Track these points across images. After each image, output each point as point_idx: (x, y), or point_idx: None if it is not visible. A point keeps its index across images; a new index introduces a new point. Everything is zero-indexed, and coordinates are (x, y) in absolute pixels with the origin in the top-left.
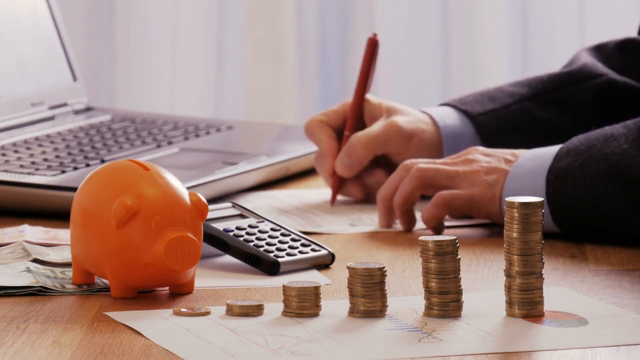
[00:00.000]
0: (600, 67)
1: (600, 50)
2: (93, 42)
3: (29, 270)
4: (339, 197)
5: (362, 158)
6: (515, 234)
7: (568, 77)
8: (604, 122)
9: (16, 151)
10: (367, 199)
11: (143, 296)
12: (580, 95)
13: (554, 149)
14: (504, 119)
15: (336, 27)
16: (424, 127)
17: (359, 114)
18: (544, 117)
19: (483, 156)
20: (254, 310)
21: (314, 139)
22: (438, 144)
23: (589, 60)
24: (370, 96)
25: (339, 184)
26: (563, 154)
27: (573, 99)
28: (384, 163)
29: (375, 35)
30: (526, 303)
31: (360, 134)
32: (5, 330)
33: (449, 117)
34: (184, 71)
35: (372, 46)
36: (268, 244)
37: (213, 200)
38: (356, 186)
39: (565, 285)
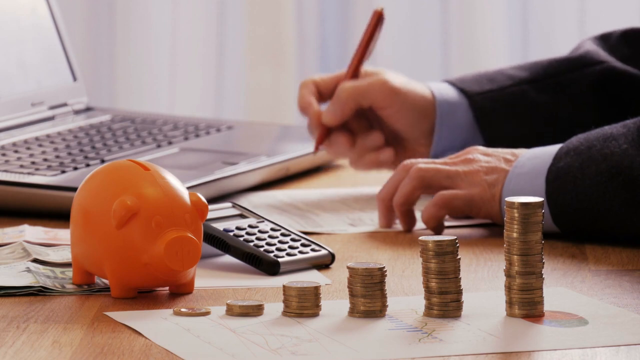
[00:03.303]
0: (602, 55)
1: (604, 40)
2: (93, 42)
3: (29, 270)
4: (334, 192)
5: (346, 106)
6: (515, 234)
7: (569, 63)
8: (602, 109)
9: (16, 151)
10: (364, 164)
11: (143, 296)
12: (580, 81)
13: (553, 149)
14: (499, 101)
15: (336, 27)
16: (416, 89)
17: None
18: (541, 101)
19: (483, 156)
20: (254, 310)
21: (299, 92)
22: (429, 108)
23: (591, 47)
24: (367, 66)
25: (324, 134)
26: (563, 153)
27: (572, 84)
28: (376, 123)
29: (381, 9)
30: (526, 303)
31: (346, 82)
32: (5, 330)
33: (446, 90)
34: (184, 71)
35: (377, 19)
36: (268, 244)
37: (213, 200)
38: (343, 135)
39: (565, 285)
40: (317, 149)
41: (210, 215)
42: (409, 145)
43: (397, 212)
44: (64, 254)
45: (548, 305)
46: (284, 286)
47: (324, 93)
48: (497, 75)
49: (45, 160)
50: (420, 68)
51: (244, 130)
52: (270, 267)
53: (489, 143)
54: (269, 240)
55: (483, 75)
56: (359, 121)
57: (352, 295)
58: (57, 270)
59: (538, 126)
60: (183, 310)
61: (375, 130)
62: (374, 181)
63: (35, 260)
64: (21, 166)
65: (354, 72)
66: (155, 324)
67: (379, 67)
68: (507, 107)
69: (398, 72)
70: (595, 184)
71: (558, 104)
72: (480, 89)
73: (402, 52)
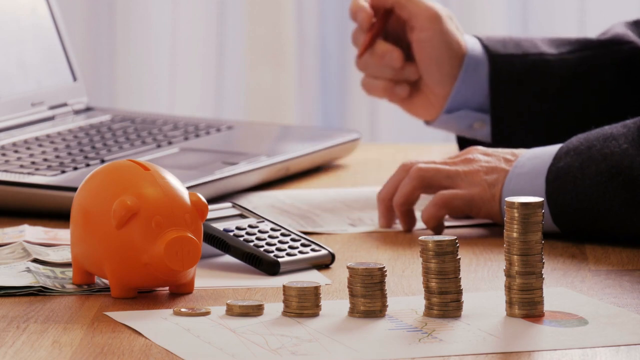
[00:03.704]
0: (631, 36)
1: (637, 25)
2: (93, 42)
3: (29, 270)
4: (333, 192)
5: None
6: (515, 234)
7: (598, 42)
8: (622, 89)
9: (16, 151)
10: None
11: (143, 296)
12: (604, 58)
13: (553, 149)
14: (518, 65)
15: (336, 27)
16: (455, 32)
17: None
18: (560, 74)
19: (483, 156)
20: (254, 310)
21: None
22: (459, 53)
23: (621, 30)
24: None
25: (370, 41)
26: (563, 153)
27: (596, 61)
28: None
29: None
30: (526, 303)
31: None
32: (5, 330)
33: (475, 46)
34: (184, 71)
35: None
36: (268, 244)
37: (213, 200)
38: (398, 50)
39: (565, 285)
40: (362, 53)
41: (210, 215)
42: (425, 89)
43: (397, 212)
44: (64, 254)
45: (548, 305)
46: (284, 286)
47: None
48: (525, 42)
49: (45, 160)
50: None
51: (244, 130)
52: (270, 267)
53: (492, 109)
54: (269, 240)
55: (513, 39)
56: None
57: (352, 295)
58: (57, 270)
59: (549, 103)
60: (183, 310)
61: (398, 48)
62: (374, 181)
63: (35, 260)
64: (21, 166)
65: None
66: (155, 324)
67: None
68: (524, 75)
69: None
70: (595, 184)
71: (578, 79)
72: (504, 50)
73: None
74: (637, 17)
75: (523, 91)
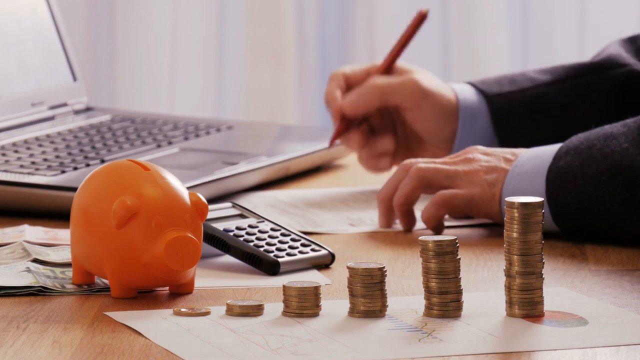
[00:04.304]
0: (626, 58)
1: (633, 42)
2: (93, 42)
3: (29, 270)
4: (333, 192)
5: (370, 99)
6: (515, 234)
7: (591, 66)
8: (622, 112)
9: (16, 151)
10: (372, 165)
11: (143, 296)
12: (600, 84)
13: (553, 148)
14: (517, 102)
15: (336, 27)
16: (443, 92)
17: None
18: (560, 104)
19: (483, 155)
20: (254, 310)
21: (328, 84)
22: (453, 113)
23: (615, 50)
24: (401, 62)
25: (343, 128)
26: (563, 153)
27: (592, 87)
28: (399, 125)
29: (427, 10)
30: (526, 303)
31: (379, 77)
32: (5, 330)
33: (468, 93)
34: (184, 71)
35: (420, 19)
36: (268, 244)
37: (213, 200)
38: (357, 134)
39: (565, 285)
40: (332, 143)
41: (210, 215)
42: (429, 148)
43: (397, 212)
44: (64, 254)
45: (548, 305)
46: (284, 286)
47: (353, 86)
48: (519, 77)
49: (45, 160)
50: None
51: (244, 130)
52: (270, 267)
53: (505, 146)
54: (269, 240)
55: (506, 76)
56: (382, 118)
57: (352, 295)
58: (57, 270)
59: (556, 129)
60: (183, 310)
61: (390, 134)
62: (374, 181)
63: (35, 260)
64: (21, 166)
65: (388, 66)
66: (155, 324)
67: (412, 65)
68: (524, 109)
69: (428, 72)
70: (595, 183)
71: (577, 107)
72: (500, 90)
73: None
74: (632, 34)
75: (525, 126)
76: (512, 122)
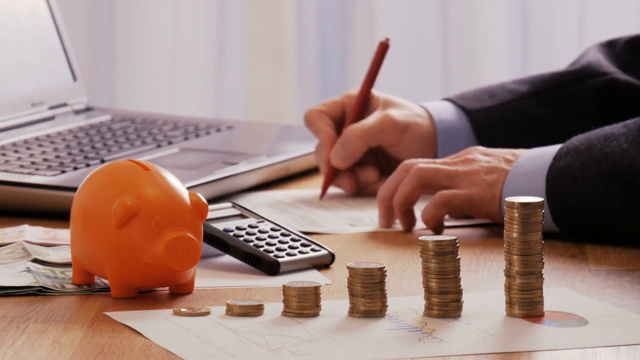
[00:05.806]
0: (605, 66)
1: (611, 46)
2: (93, 42)
3: (29, 270)
4: (334, 192)
5: (356, 150)
6: (515, 234)
7: (570, 75)
8: (604, 121)
9: (16, 151)
10: (358, 193)
11: (143, 296)
12: (581, 94)
13: (553, 149)
14: (499, 116)
15: (336, 27)
16: (419, 120)
17: (361, 111)
18: (542, 116)
19: (483, 156)
20: (254, 310)
21: (312, 128)
22: (432, 137)
23: (594, 58)
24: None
25: (331, 177)
26: (563, 153)
27: (573, 97)
28: (381, 155)
29: (387, 39)
30: (526, 303)
31: (355, 125)
32: (5, 330)
33: (446, 112)
34: (184, 71)
35: (383, 49)
36: (268, 244)
37: (213, 200)
38: (348, 179)
39: (565, 285)
40: (323, 194)
41: (210, 215)
42: None
43: (397, 212)
44: (64, 254)
45: (548, 305)
46: (284, 286)
47: (334, 120)
48: (498, 90)
49: (45, 160)
50: (420, 70)
51: (244, 130)
52: (270, 267)
53: None
54: (269, 240)
55: (484, 90)
56: (364, 153)
57: (352, 295)
58: (57, 270)
59: (537, 140)
60: (183, 310)
61: (372, 166)
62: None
63: (35, 260)
64: (21, 166)
65: (363, 99)
66: (155, 324)
67: (381, 93)
68: (507, 123)
69: (397, 99)
70: (595, 184)
71: (559, 118)
72: (480, 105)
73: (403, 54)
74: (610, 38)
75: (508, 140)
76: (495, 137)
